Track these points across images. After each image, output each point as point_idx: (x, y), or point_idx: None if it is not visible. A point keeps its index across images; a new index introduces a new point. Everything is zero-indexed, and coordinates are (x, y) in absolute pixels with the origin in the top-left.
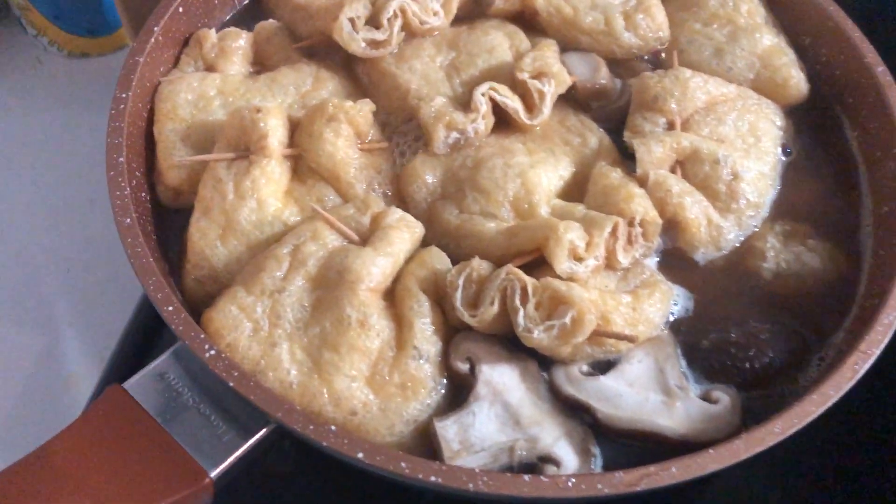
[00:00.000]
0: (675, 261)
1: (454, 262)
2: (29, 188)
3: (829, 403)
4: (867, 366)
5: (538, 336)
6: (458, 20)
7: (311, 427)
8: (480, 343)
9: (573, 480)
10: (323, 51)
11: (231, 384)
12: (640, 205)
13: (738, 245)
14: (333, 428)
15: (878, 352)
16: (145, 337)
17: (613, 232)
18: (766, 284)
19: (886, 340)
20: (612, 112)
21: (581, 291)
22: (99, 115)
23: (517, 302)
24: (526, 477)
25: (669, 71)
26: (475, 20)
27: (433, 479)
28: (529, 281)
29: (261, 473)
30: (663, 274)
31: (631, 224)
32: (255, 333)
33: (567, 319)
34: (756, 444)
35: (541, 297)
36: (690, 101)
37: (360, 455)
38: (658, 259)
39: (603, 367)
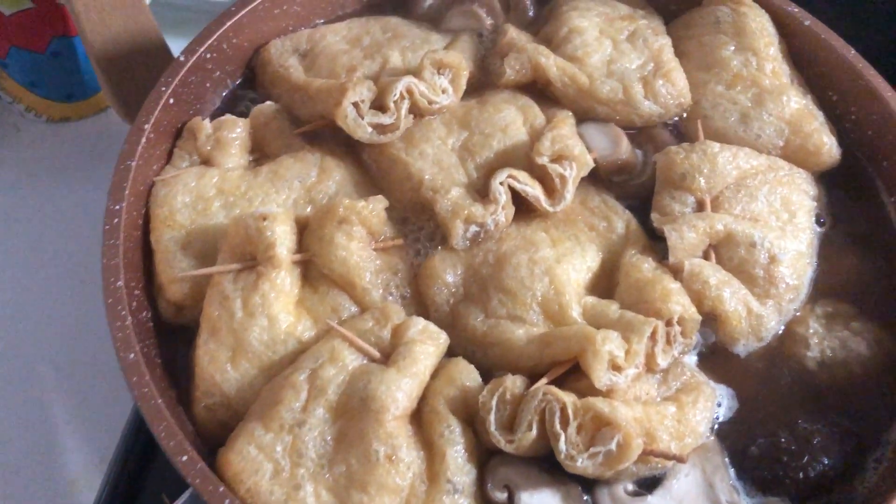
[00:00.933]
0: (715, 356)
1: (481, 372)
2: (15, 270)
3: None
4: None
5: (582, 464)
6: (467, 93)
7: None
8: (518, 467)
9: None
10: (326, 133)
11: None
12: (679, 303)
13: (779, 332)
14: None
15: None
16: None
17: (652, 335)
18: (811, 376)
19: None
20: (636, 188)
21: (626, 412)
22: (85, 183)
23: (557, 426)
24: None
25: (696, 145)
26: (485, 92)
27: None
28: (569, 401)
29: None
30: (702, 370)
31: (669, 324)
32: (277, 475)
33: (613, 446)
34: None
35: (582, 420)
36: (720, 177)
37: None
38: (696, 356)
39: (648, 483)
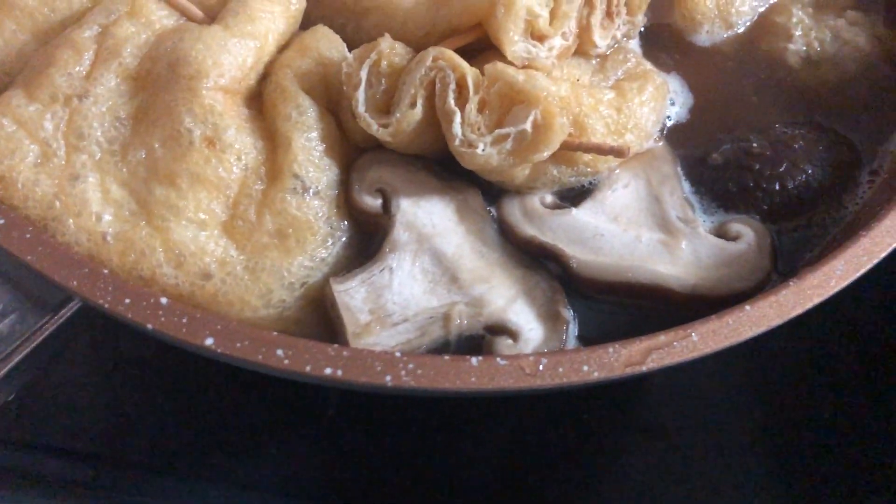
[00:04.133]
0: (670, 43)
1: (353, 49)
2: None
3: None
4: None
5: (484, 151)
6: None
7: (128, 301)
8: (398, 168)
9: (545, 361)
10: None
11: None
12: None
13: (754, 20)
14: (165, 301)
15: None
16: None
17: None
18: (793, 74)
19: None
20: None
21: (545, 82)
22: None
23: (451, 103)
24: (473, 360)
25: None
26: None
27: (329, 371)
28: (469, 70)
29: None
30: (655, 61)
31: None
32: (46, 161)
33: (527, 125)
34: (811, 293)
35: (487, 94)
36: None
37: (210, 342)
38: (644, 42)
39: (574, 197)
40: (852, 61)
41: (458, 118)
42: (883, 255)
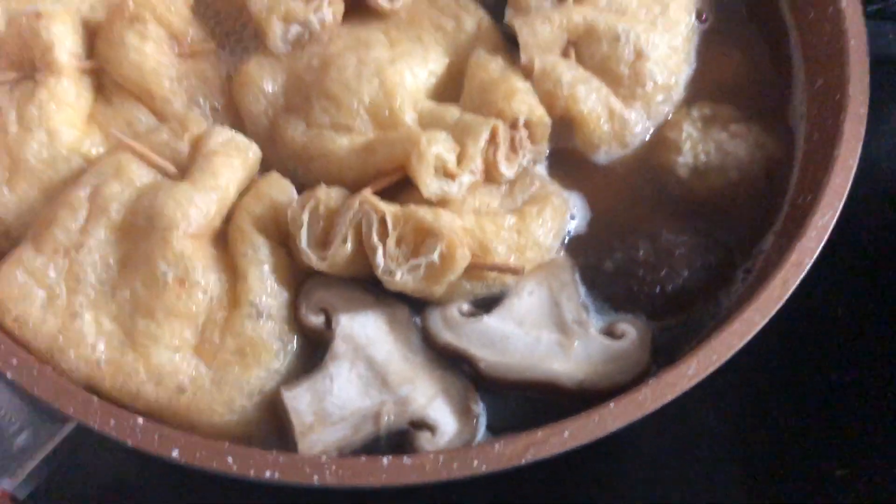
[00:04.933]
0: (573, 163)
1: (302, 189)
2: None
3: (754, 332)
4: (799, 279)
5: (402, 278)
6: None
7: (113, 422)
8: (338, 289)
9: (442, 459)
10: None
11: (9, 375)
12: (524, 102)
13: (648, 139)
14: (141, 421)
15: (810, 261)
16: None
17: (492, 139)
18: (683, 184)
19: (820, 247)
20: None
21: (451, 219)
22: None
23: (375, 239)
24: (384, 460)
25: None
26: None
27: (268, 474)
28: (388, 210)
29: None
30: (559, 180)
31: (514, 126)
32: (51, 302)
33: (435, 256)
34: (666, 391)
35: (403, 230)
36: None
37: (176, 454)
38: (549, 163)
39: (490, 303)
40: (734, 170)
41: (380, 251)
42: (731, 354)
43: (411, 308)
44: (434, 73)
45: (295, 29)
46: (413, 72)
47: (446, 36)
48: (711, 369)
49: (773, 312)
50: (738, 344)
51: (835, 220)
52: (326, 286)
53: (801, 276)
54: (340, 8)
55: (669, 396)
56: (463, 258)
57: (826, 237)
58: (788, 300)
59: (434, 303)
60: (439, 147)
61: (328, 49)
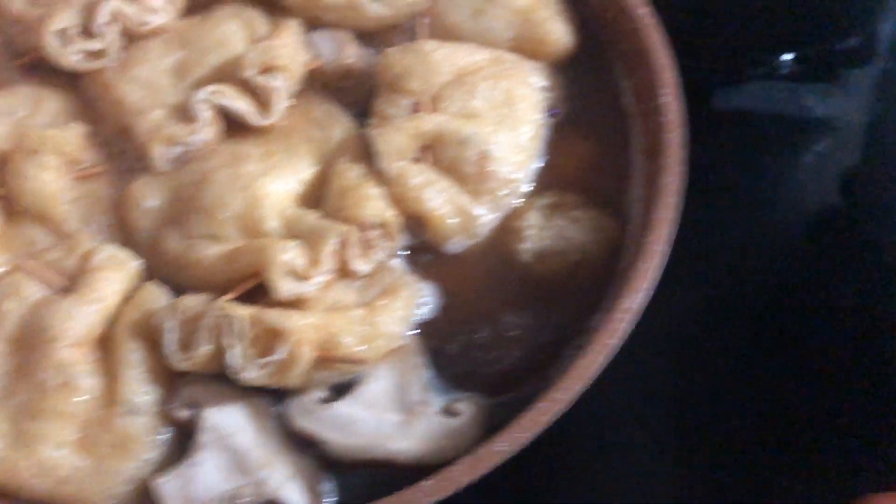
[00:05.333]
0: (429, 254)
1: (180, 294)
2: None
3: (558, 409)
4: (600, 360)
5: (251, 376)
6: (197, 9)
7: None
8: (205, 385)
9: None
10: (50, 66)
11: None
12: (375, 207)
13: (496, 226)
14: None
15: (614, 342)
16: None
17: (344, 242)
18: (527, 269)
19: (622, 328)
20: (369, 94)
21: (297, 320)
22: None
23: (229, 340)
24: None
25: (412, 44)
26: (212, 6)
27: None
28: (239, 316)
29: None
30: (417, 270)
31: (366, 228)
32: None
33: (284, 355)
34: (478, 465)
35: (257, 331)
36: (436, 76)
37: None
38: (409, 255)
39: (348, 388)
40: (574, 252)
41: (231, 353)
42: (538, 431)
43: (275, 396)
44: (303, 182)
45: (177, 150)
46: (282, 182)
47: (315, 145)
48: (522, 443)
49: (577, 391)
50: (545, 420)
51: (641, 303)
52: (196, 383)
53: (600, 363)
54: (219, 128)
55: (481, 470)
56: (306, 355)
57: (633, 320)
58: None
59: (293, 391)
60: (287, 256)
61: (206, 164)
